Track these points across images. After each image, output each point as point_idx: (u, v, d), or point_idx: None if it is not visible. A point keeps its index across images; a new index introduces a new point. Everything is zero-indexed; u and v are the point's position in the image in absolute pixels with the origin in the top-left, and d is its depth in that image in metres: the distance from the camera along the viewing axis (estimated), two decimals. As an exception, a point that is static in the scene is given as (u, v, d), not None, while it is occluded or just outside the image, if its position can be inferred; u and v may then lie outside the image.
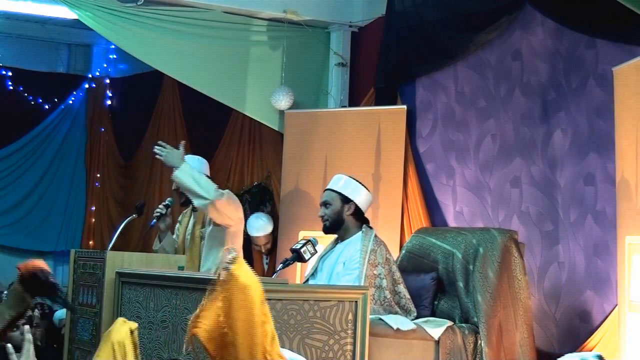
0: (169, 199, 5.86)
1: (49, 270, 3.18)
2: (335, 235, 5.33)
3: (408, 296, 5.13)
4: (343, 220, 5.22)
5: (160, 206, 5.76)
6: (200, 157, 5.91)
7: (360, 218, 5.26)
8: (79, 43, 10.32)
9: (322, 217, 5.28)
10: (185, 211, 6.01)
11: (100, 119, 10.33)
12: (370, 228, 5.25)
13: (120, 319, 3.32)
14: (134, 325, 3.28)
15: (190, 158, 5.66)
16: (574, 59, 5.84)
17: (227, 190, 5.57)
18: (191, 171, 5.40)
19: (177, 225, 6.00)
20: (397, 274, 5.13)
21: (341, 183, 5.29)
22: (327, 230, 5.30)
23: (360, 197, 5.23)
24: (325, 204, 5.27)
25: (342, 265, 5.13)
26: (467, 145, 6.54)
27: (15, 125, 9.81)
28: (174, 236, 5.91)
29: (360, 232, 5.20)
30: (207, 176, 5.58)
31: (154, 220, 5.73)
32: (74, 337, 5.13)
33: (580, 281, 5.66)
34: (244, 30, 7.57)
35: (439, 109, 6.82)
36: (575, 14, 5.77)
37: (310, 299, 4.21)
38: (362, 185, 5.30)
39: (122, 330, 3.23)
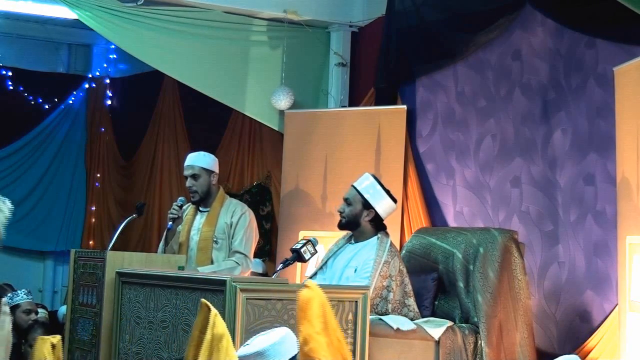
0: (180, 198, 5.82)
1: None
2: (347, 232, 5.26)
3: (417, 310, 5.07)
4: (359, 223, 5.14)
5: (175, 208, 5.71)
6: (211, 155, 5.96)
7: (378, 224, 5.17)
8: (79, 43, 10.32)
9: (340, 212, 5.20)
10: (188, 205, 5.93)
11: (100, 119, 10.32)
12: (387, 235, 5.16)
13: (39, 338, 3.33)
14: (55, 339, 3.28)
15: (203, 155, 5.84)
16: (574, 59, 5.84)
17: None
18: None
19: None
20: (409, 287, 5.06)
21: (366, 184, 5.17)
22: (342, 227, 5.22)
23: (381, 205, 5.11)
24: (346, 200, 5.18)
25: (353, 270, 5.06)
26: (467, 145, 6.54)
27: (15, 125, 9.80)
28: (177, 228, 5.83)
29: (376, 238, 5.11)
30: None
31: (171, 223, 5.70)
32: (74, 337, 5.13)
33: (580, 281, 5.66)
34: (244, 30, 7.57)
35: (439, 109, 6.81)
36: (575, 14, 5.77)
37: (310, 299, 4.20)
38: (387, 192, 5.16)
39: (43, 349, 3.24)
